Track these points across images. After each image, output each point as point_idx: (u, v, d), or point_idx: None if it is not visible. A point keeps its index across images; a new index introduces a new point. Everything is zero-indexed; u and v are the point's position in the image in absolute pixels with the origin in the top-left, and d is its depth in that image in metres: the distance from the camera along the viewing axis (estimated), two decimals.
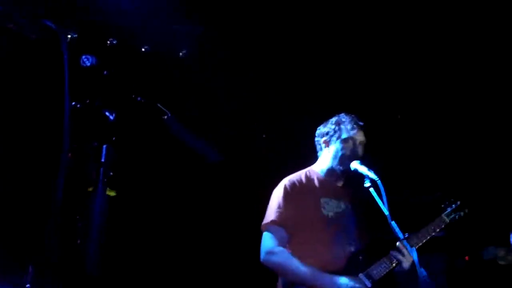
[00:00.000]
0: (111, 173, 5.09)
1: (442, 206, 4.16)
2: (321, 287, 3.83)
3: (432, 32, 5.23)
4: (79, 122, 2.49)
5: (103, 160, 2.61)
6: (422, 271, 3.40)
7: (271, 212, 4.00)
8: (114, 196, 4.93)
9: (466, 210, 4.12)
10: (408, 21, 5.12)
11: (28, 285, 3.22)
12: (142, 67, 3.46)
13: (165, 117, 2.67)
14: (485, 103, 5.87)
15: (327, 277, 3.86)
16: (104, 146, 2.63)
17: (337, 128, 4.15)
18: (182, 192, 6.28)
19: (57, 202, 2.40)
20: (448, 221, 4.08)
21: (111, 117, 2.61)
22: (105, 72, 2.75)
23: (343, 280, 3.86)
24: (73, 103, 2.53)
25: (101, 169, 2.59)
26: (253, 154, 6.16)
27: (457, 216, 4.10)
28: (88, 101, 2.52)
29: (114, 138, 2.63)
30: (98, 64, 2.72)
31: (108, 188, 5.01)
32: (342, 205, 4.13)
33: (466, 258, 5.73)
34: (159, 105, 2.66)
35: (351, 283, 3.85)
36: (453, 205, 4.14)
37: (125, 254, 6.03)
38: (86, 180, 2.62)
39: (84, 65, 2.74)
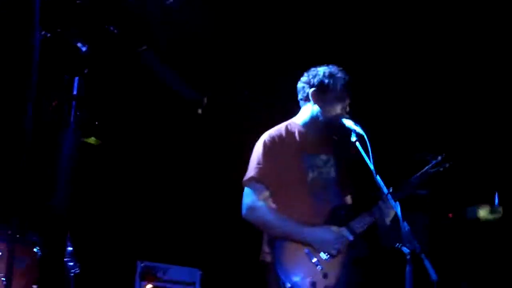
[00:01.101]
0: (96, 122, 4.98)
1: (426, 159, 4.12)
2: (302, 240, 3.80)
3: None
4: (49, 53, 2.36)
5: (75, 93, 2.47)
6: (405, 225, 3.33)
7: (251, 168, 3.95)
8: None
9: (451, 163, 4.07)
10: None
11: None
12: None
13: (141, 49, 2.53)
14: (469, 59, 5.84)
15: (307, 230, 3.82)
16: (76, 78, 2.48)
17: (330, 81, 4.00)
18: (159, 136, 6.15)
19: (27, 139, 2.27)
20: (431, 173, 4.03)
21: (83, 49, 2.47)
22: (78, 1, 2.61)
23: (324, 229, 3.82)
24: (43, 32, 2.38)
25: (73, 102, 2.45)
26: (235, 103, 6.06)
27: (441, 169, 4.05)
28: (59, 31, 2.37)
29: (86, 71, 2.49)
30: None
31: (92, 138, 4.90)
32: (324, 159, 4.06)
33: (450, 215, 5.70)
34: (135, 37, 2.52)
35: (333, 235, 3.82)
36: (438, 157, 4.08)
37: (98, 199, 5.95)
38: (57, 115, 2.50)
39: None
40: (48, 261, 4.51)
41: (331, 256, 3.81)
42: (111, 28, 2.42)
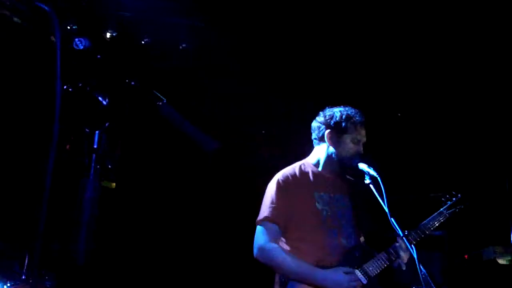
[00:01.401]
0: (110, 166, 5.03)
1: (443, 199, 4.10)
2: (314, 282, 3.77)
3: (430, 30, 5.17)
4: (71, 106, 2.40)
5: (95, 146, 2.51)
6: (421, 268, 3.31)
7: (265, 208, 3.94)
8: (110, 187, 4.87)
9: (467, 203, 4.05)
10: (406, 19, 5.07)
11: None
12: (140, 55, 3.39)
13: (160, 103, 2.57)
14: (483, 99, 5.82)
15: (319, 272, 3.77)
16: (97, 132, 2.52)
17: (347, 125, 4.02)
18: (178, 183, 6.20)
19: (46, 189, 2.30)
20: (447, 215, 4.00)
21: (104, 102, 2.51)
22: (98, 56, 2.66)
23: (338, 272, 3.78)
24: (65, 86, 2.43)
25: (93, 155, 2.48)
26: (249, 147, 6.09)
27: (457, 209, 4.03)
28: (80, 85, 2.42)
29: (107, 124, 2.54)
30: (92, 47, 2.63)
31: (106, 181, 4.95)
32: (338, 199, 4.04)
33: (465, 256, 5.64)
34: (154, 91, 2.56)
35: (345, 278, 3.78)
36: (454, 199, 4.06)
37: (119, 246, 5.96)
38: (78, 167, 2.54)
39: (77, 48, 2.64)
40: None
41: None
42: (132, 82, 2.48)
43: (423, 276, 3.26)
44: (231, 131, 5.91)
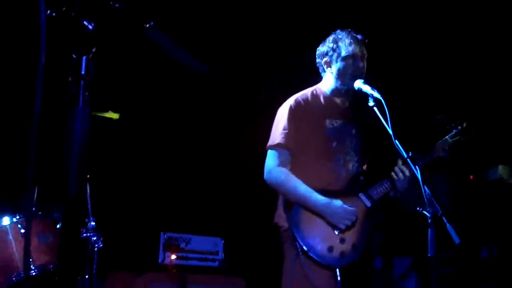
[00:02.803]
0: (109, 100, 4.99)
1: (447, 127, 4.10)
2: (315, 209, 3.82)
3: None
4: (56, 33, 2.33)
5: (83, 72, 2.45)
6: (425, 189, 3.32)
7: (277, 134, 3.99)
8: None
9: (472, 133, 4.06)
10: None
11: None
12: None
13: (147, 25, 2.50)
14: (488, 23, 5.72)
15: (320, 200, 3.82)
16: (84, 57, 2.47)
17: (335, 46, 4.04)
18: (176, 110, 6.18)
19: (35, 117, 2.26)
20: (452, 143, 4.03)
21: (90, 27, 2.45)
22: None
23: (337, 202, 3.82)
24: (48, 11, 2.36)
25: (81, 82, 2.43)
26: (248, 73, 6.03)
27: (462, 139, 4.05)
28: (64, 9, 2.34)
29: (94, 49, 2.48)
30: None
31: (110, 111, 4.92)
32: (347, 126, 4.09)
33: (471, 177, 5.64)
34: (141, 13, 2.47)
35: (345, 205, 3.81)
36: (459, 127, 4.09)
37: (120, 173, 6.01)
38: (66, 94, 2.49)
39: None
40: (65, 239, 4.57)
41: (339, 231, 3.82)
42: (116, 4, 2.38)
43: (428, 197, 3.28)
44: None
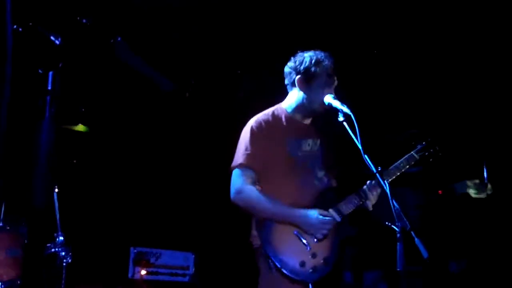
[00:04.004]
0: (83, 109, 4.94)
1: (413, 143, 4.14)
2: (292, 220, 3.81)
3: None
4: (22, 47, 2.32)
5: (49, 88, 2.43)
6: (394, 203, 3.33)
7: (240, 154, 3.96)
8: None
9: (437, 148, 4.10)
10: None
11: None
12: None
13: (113, 41, 2.49)
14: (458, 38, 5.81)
15: (296, 211, 3.83)
16: (50, 73, 2.45)
17: (316, 69, 4.02)
18: (145, 125, 6.14)
19: (1, 132, 2.24)
20: (418, 158, 4.07)
21: (57, 42, 2.42)
22: None
23: (313, 212, 3.83)
24: (15, 26, 2.33)
25: (47, 97, 2.42)
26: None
27: (426, 153, 4.09)
28: (31, 25, 2.32)
29: (60, 65, 2.45)
30: None
31: (80, 124, 4.88)
32: (310, 143, 4.07)
33: (439, 192, 5.69)
34: (108, 28, 2.46)
35: (321, 216, 3.82)
36: (424, 143, 4.12)
37: (89, 187, 5.94)
38: (33, 109, 2.48)
39: None
40: (31, 254, 4.51)
41: (317, 239, 3.83)
42: (84, 20, 2.37)
43: (397, 211, 3.29)
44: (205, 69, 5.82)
